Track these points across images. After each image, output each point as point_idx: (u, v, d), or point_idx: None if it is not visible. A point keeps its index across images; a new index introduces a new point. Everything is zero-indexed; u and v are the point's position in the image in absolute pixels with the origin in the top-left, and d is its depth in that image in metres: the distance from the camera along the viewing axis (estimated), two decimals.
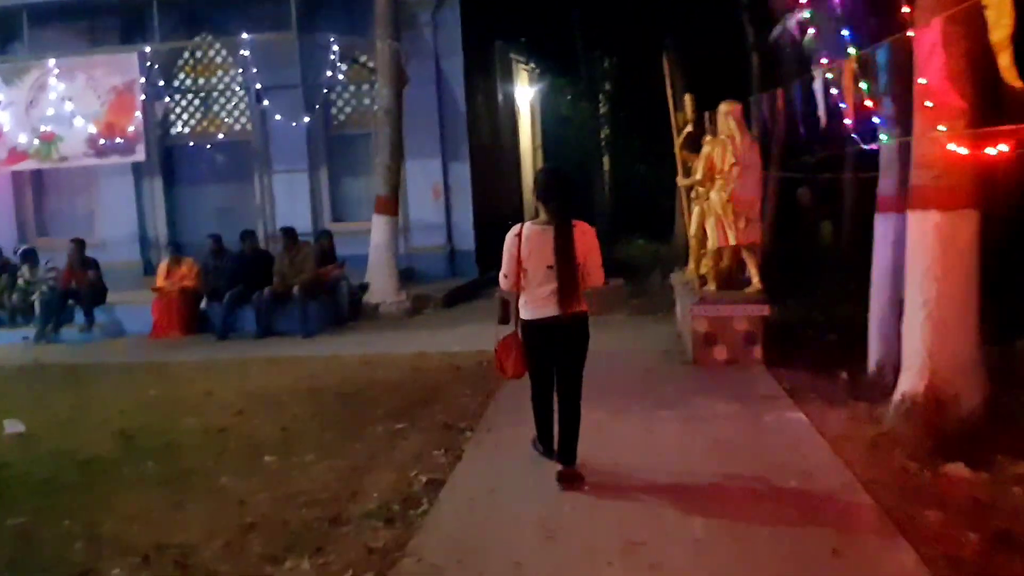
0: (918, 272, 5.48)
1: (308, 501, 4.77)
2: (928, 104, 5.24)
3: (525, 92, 22.29)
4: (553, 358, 4.84)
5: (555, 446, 4.91)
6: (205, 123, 15.58)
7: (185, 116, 15.63)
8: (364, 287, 11.73)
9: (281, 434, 6.21)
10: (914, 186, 5.49)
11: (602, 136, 22.16)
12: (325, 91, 14.92)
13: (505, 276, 4.92)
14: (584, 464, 4.93)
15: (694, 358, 7.59)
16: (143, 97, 11.86)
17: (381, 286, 11.62)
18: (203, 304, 11.02)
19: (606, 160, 22.66)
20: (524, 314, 4.84)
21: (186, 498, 4.97)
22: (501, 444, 5.61)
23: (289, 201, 15.14)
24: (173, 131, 15.60)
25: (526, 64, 22.22)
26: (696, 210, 8.46)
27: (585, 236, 4.71)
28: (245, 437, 6.18)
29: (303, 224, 14.77)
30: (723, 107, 7.63)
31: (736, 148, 7.45)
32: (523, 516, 4.37)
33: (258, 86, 14.09)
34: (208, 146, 15.41)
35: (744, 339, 7.49)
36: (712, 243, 7.65)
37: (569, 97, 22.97)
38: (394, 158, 11.58)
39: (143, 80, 12.01)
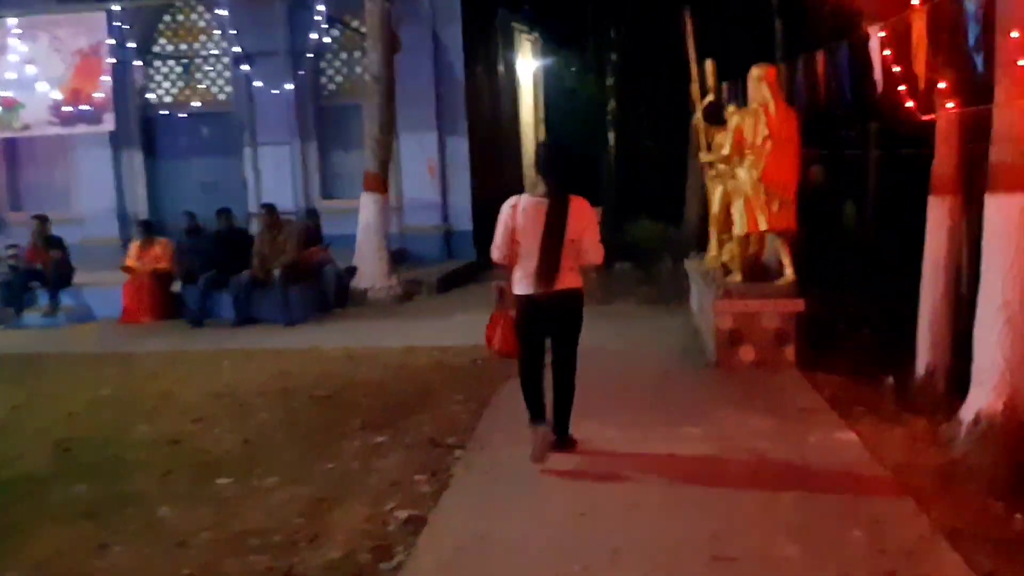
0: (998, 267, 4.58)
1: (260, 544, 3.90)
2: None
3: (527, 64, 21.27)
4: (543, 333, 4.78)
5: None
6: (187, 91, 14.62)
7: (166, 84, 14.67)
8: (352, 271, 10.82)
9: (242, 448, 5.34)
10: (995, 164, 4.58)
11: (608, 111, 21.12)
12: (313, 58, 13.96)
13: (496, 247, 4.77)
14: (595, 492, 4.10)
15: (717, 359, 6.71)
16: (112, 61, 10.85)
17: (370, 270, 10.72)
18: (177, 287, 10.12)
19: (612, 136, 21.64)
20: (516, 288, 4.72)
21: (116, 535, 4.11)
22: (496, 469, 4.72)
23: (276, 176, 14.23)
24: (153, 100, 14.65)
25: (529, 34, 21.19)
26: (719, 190, 7.54)
27: (583, 212, 4.62)
28: (200, 452, 5.31)
29: (292, 201, 13.95)
30: (755, 71, 6.70)
31: (770, 119, 6.51)
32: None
33: (236, 49, 13.14)
34: (191, 116, 14.48)
35: (775, 338, 6.60)
36: (739, 228, 6.73)
37: (574, 69, 21.94)
38: (384, 131, 10.63)
39: (112, 42, 10.95)
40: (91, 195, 14.48)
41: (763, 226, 6.60)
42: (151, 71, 14.57)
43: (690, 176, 14.39)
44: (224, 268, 9.82)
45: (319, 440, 5.40)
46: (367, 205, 10.77)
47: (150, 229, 10.51)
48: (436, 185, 13.98)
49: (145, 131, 14.61)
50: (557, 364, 4.85)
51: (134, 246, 10.46)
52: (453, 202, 14.11)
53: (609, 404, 5.81)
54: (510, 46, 19.36)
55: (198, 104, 14.50)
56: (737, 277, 6.95)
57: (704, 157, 7.20)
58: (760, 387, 6.12)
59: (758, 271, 7.14)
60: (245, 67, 13.83)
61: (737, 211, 6.74)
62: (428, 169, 13.95)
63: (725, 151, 6.74)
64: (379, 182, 10.74)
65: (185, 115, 14.48)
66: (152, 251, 10.27)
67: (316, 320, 9.83)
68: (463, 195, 14.07)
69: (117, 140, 14.34)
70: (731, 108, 8.39)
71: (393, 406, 6.08)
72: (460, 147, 14.03)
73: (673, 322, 8.77)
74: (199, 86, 14.59)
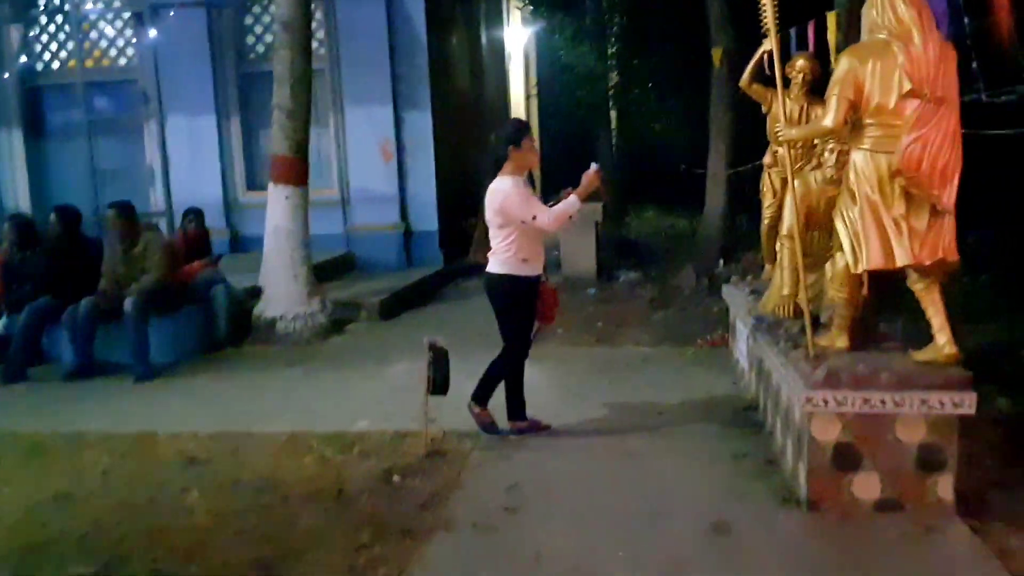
0: None
1: None
2: None
3: (517, 31, 18.28)
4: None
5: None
6: (80, 56, 11.56)
7: (53, 47, 11.63)
8: (254, 293, 7.84)
9: None
10: None
11: (610, 86, 18.02)
12: (235, 12, 10.97)
13: None
14: None
15: (812, 495, 3.71)
16: None
17: (280, 291, 7.72)
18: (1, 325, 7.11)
19: (614, 114, 18.58)
20: None
21: None
22: None
23: (190, 160, 11.27)
24: (37, 66, 11.62)
25: None
26: (798, 190, 4.54)
27: (492, 194, 4.56)
28: None
29: (211, 192, 11.01)
30: None
31: (914, 61, 3.50)
32: None
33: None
34: (84, 87, 11.46)
35: (917, 459, 3.62)
36: (853, 260, 3.70)
37: (569, 39, 18.80)
38: (298, 99, 7.59)
39: None
40: None
41: (903, 258, 3.57)
42: (33, 31, 11.53)
43: (712, 160, 11.41)
44: (61, 294, 6.84)
45: None
46: (276, 202, 7.76)
47: None
48: (392, 173, 10.99)
49: (27, 106, 11.58)
50: None
51: None
52: (414, 194, 11.11)
53: None
54: (496, 11, 16.38)
55: (95, 71, 11.50)
56: (840, 341, 3.94)
57: (786, 134, 4.13)
58: (905, 570, 3.16)
59: (870, 330, 4.16)
60: (151, 27, 10.92)
61: (846, 230, 3.72)
62: (382, 152, 10.98)
63: (827, 122, 3.68)
64: (293, 169, 7.72)
65: (78, 85, 11.46)
66: None
67: (188, 368, 6.82)
68: (426, 185, 11.07)
69: None
70: (801, 59, 5.52)
71: None
72: (422, 125, 11.02)
73: (710, 381, 5.82)
74: (96, 49, 11.56)
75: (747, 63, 6.04)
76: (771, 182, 6.05)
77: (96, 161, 11.54)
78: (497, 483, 4.16)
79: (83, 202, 10.33)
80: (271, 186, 7.76)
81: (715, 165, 11.35)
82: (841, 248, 3.78)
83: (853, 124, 3.67)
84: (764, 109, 5.97)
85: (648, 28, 16.67)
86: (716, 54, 10.99)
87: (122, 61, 11.47)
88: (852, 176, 3.68)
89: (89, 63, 11.49)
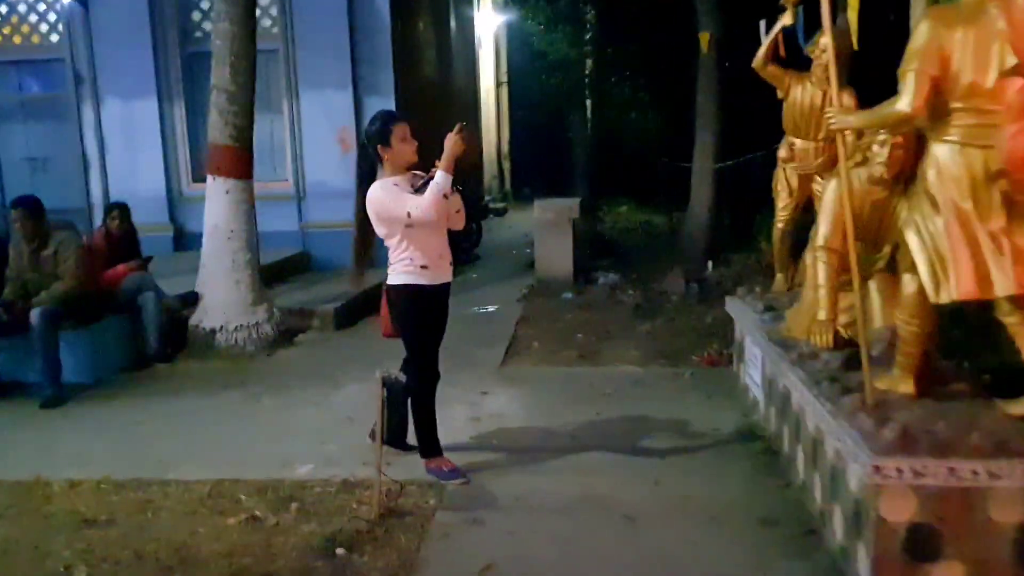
0: None
1: None
2: None
3: (488, 17, 17.37)
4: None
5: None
6: (3, 33, 10.45)
7: None
8: (190, 299, 6.88)
9: None
10: None
11: (585, 74, 17.15)
12: None
13: None
14: None
15: None
16: None
17: (220, 298, 6.75)
18: None
19: (589, 105, 17.70)
20: None
21: None
22: None
23: (128, 150, 10.22)
24: None
25: None
26: (832, 189, 3.71)
27: (367, 205, 4.16)
28: None
29: (152, 185, 10.03)
30: None
31: (1017, 27, 2.68)
32: None
33: None
34: (9, 66, 10.38)
35: (1014, 546, 2.81)
36: (934, 287, 2.87)
37: (541, 26, 17.87)
38: (240, 80, 6.62)
39: None
40: None
41: (1005, 287, 2.74)
42: None
43: (698, 154, 10.62)
44: None
45: None
46: (216, 196, 6.79)
47: None
48: (351, 165, 9.96)
49: None
50: None
51: None
52: None
53: None
54: None
55: (19, 50, 10.39)
56: (904, 385, 3.12)
57: (842, 120, 3.26)
58: None
59: (932, 369, 3.33)
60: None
61: (927, 247, 2.89)
62: (340, 142, 10.03)
63: (903, 104, 2.83)
64: (235, 160, 6.76)
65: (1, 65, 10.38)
66: None
67: (108, 390, 5.85)
68: None
69: None
70: (823, 39, 4.71)
71: None
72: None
73: (715, 413, 4.98)
74: (22, 25, 10.44)
75: (738, 48, 5.26)
76: (787, 179, 5.30)
77: (25, 149, 10.46)
78: (466, 562, 3.28)
79: (9, 195, 9.38)
80: (209, 179, 6.80)
81: (701, 159, 10.56)
82: (912, 269, 2.95)
83: (935, 109, 2.84)
84: (780, 94, 5.20)
85: (626, 12, 15.81)
86: (704, 39, 10.21)
87: (53, 38, 10.34)
88: (933, 177, 2.84)
89: (15, 41, 10.38)
